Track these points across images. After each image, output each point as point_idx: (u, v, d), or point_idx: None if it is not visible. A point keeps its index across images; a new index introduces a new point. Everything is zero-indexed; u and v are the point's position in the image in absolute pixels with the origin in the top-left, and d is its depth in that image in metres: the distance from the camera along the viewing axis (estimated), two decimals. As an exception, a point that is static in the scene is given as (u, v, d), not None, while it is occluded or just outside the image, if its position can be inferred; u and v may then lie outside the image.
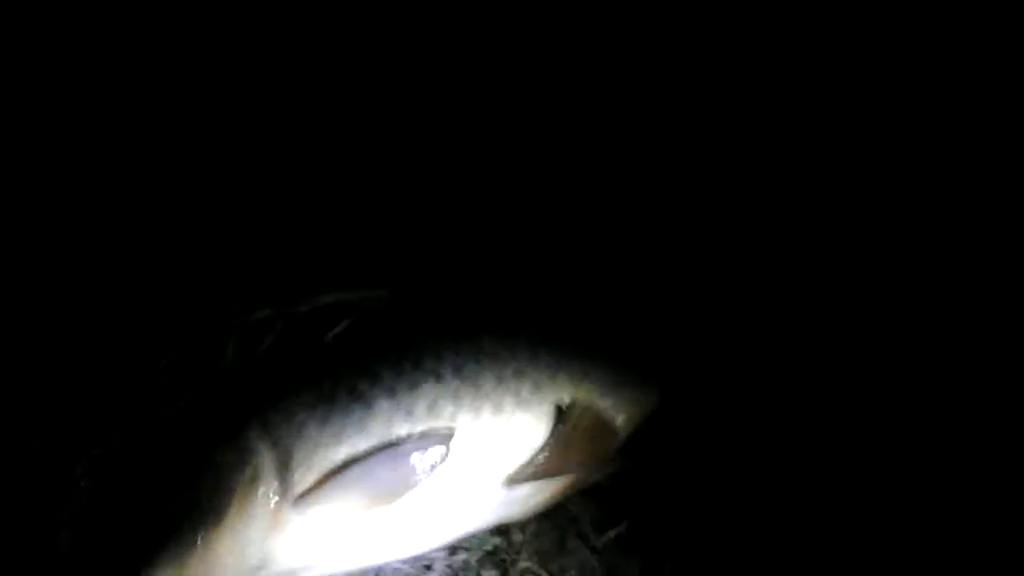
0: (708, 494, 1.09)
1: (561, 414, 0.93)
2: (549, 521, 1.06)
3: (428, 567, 1.01)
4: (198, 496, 0.88)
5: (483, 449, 0.91)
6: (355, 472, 0.87)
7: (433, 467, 0.86)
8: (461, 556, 1.03)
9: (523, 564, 1.03)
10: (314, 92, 1.36)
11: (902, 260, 1.27)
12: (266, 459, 0.89)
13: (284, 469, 0.88)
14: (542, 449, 0.91)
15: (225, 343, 1.11)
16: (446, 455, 0.87)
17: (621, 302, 1.15)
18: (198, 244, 1.24)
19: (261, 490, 0.87)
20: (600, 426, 0.93)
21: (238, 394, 1.01)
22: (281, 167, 1.32)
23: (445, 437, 0.86)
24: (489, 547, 1.05)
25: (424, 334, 0.96)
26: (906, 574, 1.04)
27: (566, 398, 0.93)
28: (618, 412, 0.98)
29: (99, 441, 1.05)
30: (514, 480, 0.91)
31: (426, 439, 0.86)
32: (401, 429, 0.88)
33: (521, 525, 1.04)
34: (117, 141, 1.32)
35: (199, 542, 0.85)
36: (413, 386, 0.89)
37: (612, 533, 1.04)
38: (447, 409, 0.88)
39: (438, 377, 0.89)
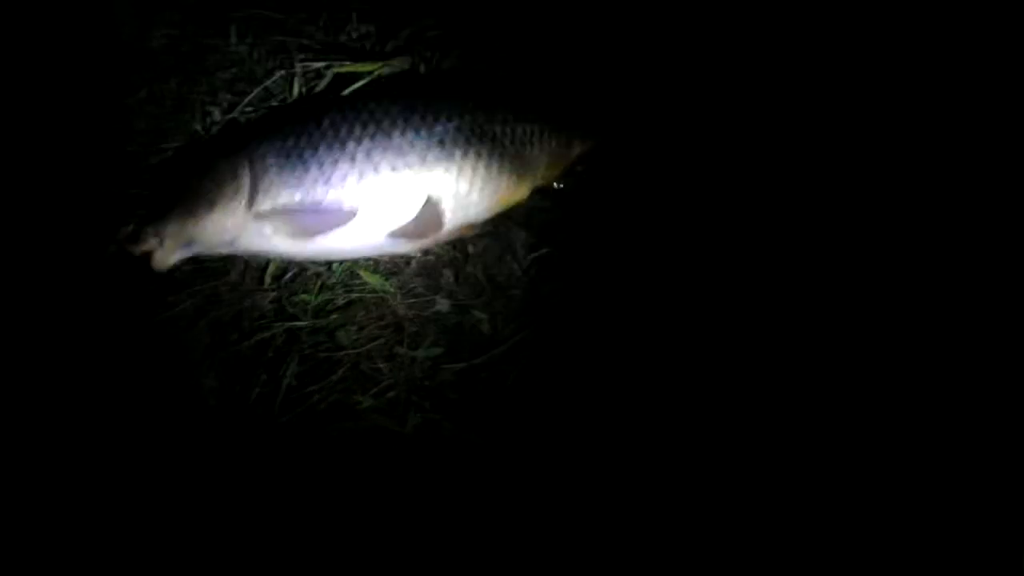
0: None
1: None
2: (496, 243, 1.45)
3: (408, 263, 1.44)
4: (202, 190, 1.37)
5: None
6: (294, 215, 1.34)
7: (342, 221, 1.34)
8: (430, 258, 1.44)
9: (469, 269, 1.43)
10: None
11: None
12: (246, 181, 1.34)
13: (254, 191, 1.36)
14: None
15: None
16: (353, 215, 1.33)
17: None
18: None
19: (237, 198, 1.34)
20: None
21: (243, 136, 1.43)
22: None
23: (352, 211, 1.32)
24: (447, 257, 1.44)
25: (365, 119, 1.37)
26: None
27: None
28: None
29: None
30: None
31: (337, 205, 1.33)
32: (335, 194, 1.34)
33: (473, 241, 1.43)
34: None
35: (195, 216, 1.34)
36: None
37: (534, 255, 1.44)
38: (352, 176, 1.33)
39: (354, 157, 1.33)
